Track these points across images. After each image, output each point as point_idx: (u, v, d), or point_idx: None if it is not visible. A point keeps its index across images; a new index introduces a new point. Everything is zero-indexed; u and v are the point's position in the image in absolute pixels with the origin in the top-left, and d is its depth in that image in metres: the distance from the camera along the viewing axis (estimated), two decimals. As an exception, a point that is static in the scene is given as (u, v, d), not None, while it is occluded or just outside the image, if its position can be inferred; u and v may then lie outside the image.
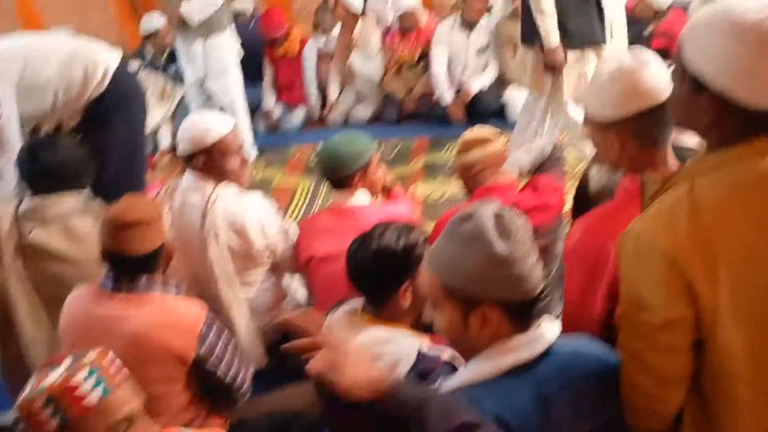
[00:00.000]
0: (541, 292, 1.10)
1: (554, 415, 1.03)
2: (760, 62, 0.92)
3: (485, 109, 4.49)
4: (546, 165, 2.24)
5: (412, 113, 4.74)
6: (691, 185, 1.00)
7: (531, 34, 3.16)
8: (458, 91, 4.59)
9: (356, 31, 4.67)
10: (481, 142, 2.11)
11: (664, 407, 1.08)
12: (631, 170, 1.35)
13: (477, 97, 4.52)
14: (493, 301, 1.06)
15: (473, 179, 2.12)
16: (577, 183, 1.93)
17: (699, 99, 0.99)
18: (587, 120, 1.39)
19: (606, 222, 1.33)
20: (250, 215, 2.02)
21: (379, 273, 1.45)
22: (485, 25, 4.53)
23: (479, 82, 4.55)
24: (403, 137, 4.44)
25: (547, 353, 1.08)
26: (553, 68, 3.13)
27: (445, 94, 4.55)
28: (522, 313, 1.09)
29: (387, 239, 1.46)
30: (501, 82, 4.59)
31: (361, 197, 2.06)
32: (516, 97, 4.37)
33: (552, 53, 3.06)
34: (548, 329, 1.12)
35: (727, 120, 0.98)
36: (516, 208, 2.02)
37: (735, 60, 0.93)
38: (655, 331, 1.01)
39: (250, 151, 4.16)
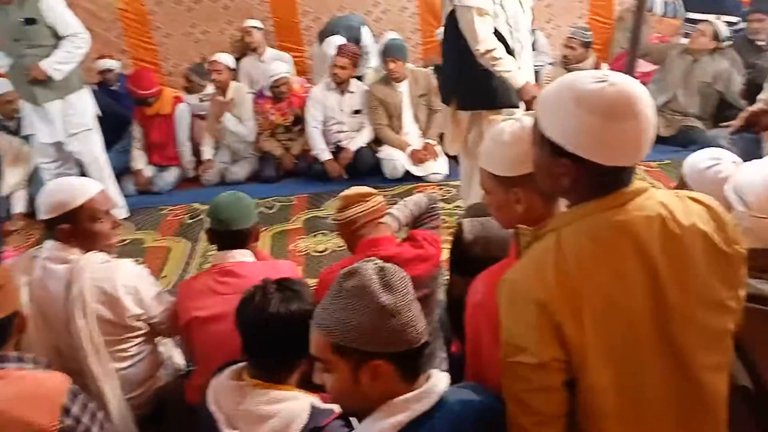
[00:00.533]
0: (426, 341, 1.14)
1: None
2: (605, 126, 1.03)
3: (363, 166, 4.63)
4: (423, 218, 2.33)
5: (291, 171, 4.77)
6: (558, 236, 1.09)
7: (446, 94, 3.22)
8: (337, 150, 4.71)
9: (229, 92, 4.66)
10: (360, 198, 2.17)
11: None
12: (529, 224, 1.33)
13: (355, 156, 4.65)
14: (382, 354, 1.09)
15: (354, 234, 2.16)
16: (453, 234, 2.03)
17: (558, 163, 1.08)
18: (489, 177, 1.37)
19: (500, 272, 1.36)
20: (122, 282, 1.90)
21: (286, 339, 1.41)
22: (359, 88, 4.72)
23: (357, 141, 4.69)
24: (283, 195, 4.45)
25: (438, 406, 1.12)
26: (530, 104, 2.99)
27: (323, 152, 4.64)
28: (410, 362, 1.12)
29: (293, 304, 1.43)
30: (376, 142, 4.77)
31: (243, 255, 2.02)
32: (390, 155, 4.56)
33: (522, 91, 2.98)
34: (438, 381, 1.15)
35: (584, 179, 1.08)
36: (396, 260, 2.12)
37: (583, 127, 1.03)
38: (531, 372, 1.07)
39: (120, 212, 3.95)
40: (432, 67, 5.17)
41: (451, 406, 1.13)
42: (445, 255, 2.18)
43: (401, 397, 1.10)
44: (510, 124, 1.35)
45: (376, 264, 1.13)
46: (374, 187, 4.20)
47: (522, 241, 1.18)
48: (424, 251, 2.15)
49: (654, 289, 1.06)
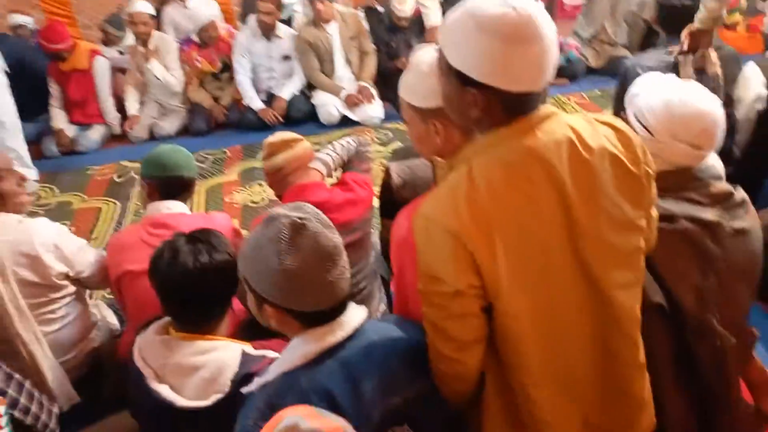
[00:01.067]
0: (342, 301, 1.16)
1: (364, 392, 1.09)
2: (509, 51, 1.01)
3: (297, 114, 4.54)
4: (353, 161, 2.31)
5: (223, 122, 4.63)
6: (470, 165, 1.09)
7: None
8: (269, 98, 4.59)
9: (152, 42, 4.44)
10: (286, 144, 2.13)
11: (464, 369, 1.17)
12: (447, 156, 1.35)
13: (289, 104, 4.55)
14: (283, 309, 1.12)
15: (283, 181, 2.13)
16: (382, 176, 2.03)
17: (465, 93, 1.07)
18: (408, 108, 1.35)
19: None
20: (40, 241, 1.83)
21: (202, 293, 1.39)
22: (286, 33, 4.57)
23: (289, 88, 4.58)
24: (216, 147, 4.33)
25: (354, 337, 1.14)
26: None
27: (254, 101, 4.52)
28: (317, 320, 1.14)
29: (203, 256, 1.40)
30: (310, 88, 4.67)
31: (178, 206, 1.96)
32: (324, 101, 4.48)
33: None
34: (353, 315, 1.17)
35: (493, 108, 1.07)
36: (327, 205, 2.10)
37: (488, 53, 1.02)
38: (448, 300, 1.09)
39: (29, 171, 3.74)
40: (362, 9, 5.05)
41: (366, 337, 1.15)
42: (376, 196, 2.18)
43: (313, 330, 1.12)
44: (429, 54, 1.30)
45: (297, 218, 1.10)
46: (311, 134, 4.28)
47: (438, 174, 1.18)
48: (354, 195, 2.14)
49: (565, 212, 1.07)
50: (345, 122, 4.47)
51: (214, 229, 1.51)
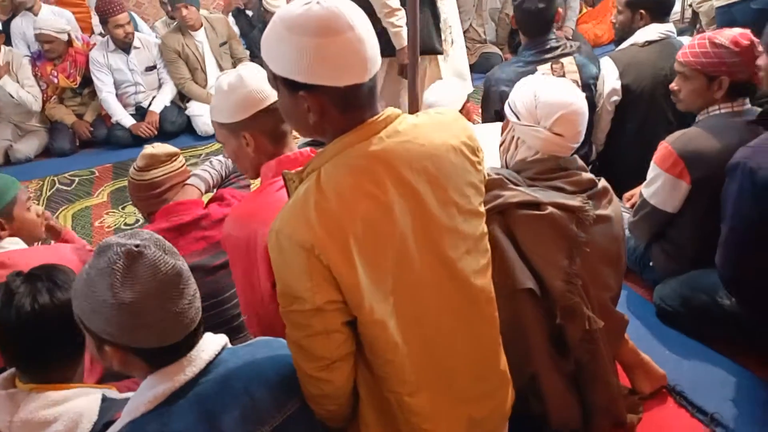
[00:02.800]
0: (198, 328, 1.07)
1: (223, 428, 1.02)
2: (321, 44, 1.00)
3: (171, 126, 4.32)
4: (230, 177, 2.21)
5: (89, 140, 4.31)
6: (318, 175, 1.06)
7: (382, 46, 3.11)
8: (139, 112, 4.33)
9: (1, 56, 4.04)
10: (167, 157, 1.99)
11: (332, 388, 1.12)
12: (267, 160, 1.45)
13: (162, 117, 4.32)
14: (124, 348, 1.01)
15: (155, 199, 1.99)
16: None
17: (297, 99, 1.04)
18: (219, 128, 1.48)
19: (247, 205, 1.48)
20: None
21: (44, 336, 1.23)
22: (144, 42, 4.33)
23: (160, 101, 4.34)
24: (82, 167, 4.01)
25: (209, 370, 1.06)
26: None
27: (124, 118, 4.25)
28: (164, 357, 1.04)
29: (44, 296, 1.24)
30: (183, 98, 4.45)
31: (11, 241, 1.77)
32: (199, 111, 4.28)
33: (402, 52, 2.96)
34: (207, 346, 1.09)
35: (327, 108, 1.05)
36: (204, 222, 1.98)
37: (302, 51, 1.00)
38: (309, 319, 1.05)
39: None
40: (232, 13, 4.90)
41: (224, 367, 1.08)
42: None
43: (162, 369, 1.03)
44: (227, 76, 1.45)
45: (132, 246, 1.00)
46: (187, 147, 4.09)
47: (290, 187, 1.14)
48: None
49: (416, 210, 1.08)
50: (224, 132, 4.30)
51: (59, 264, 1.35)
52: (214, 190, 2.16)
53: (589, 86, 2.49)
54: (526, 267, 1.48)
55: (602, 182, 1.60)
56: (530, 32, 2.58)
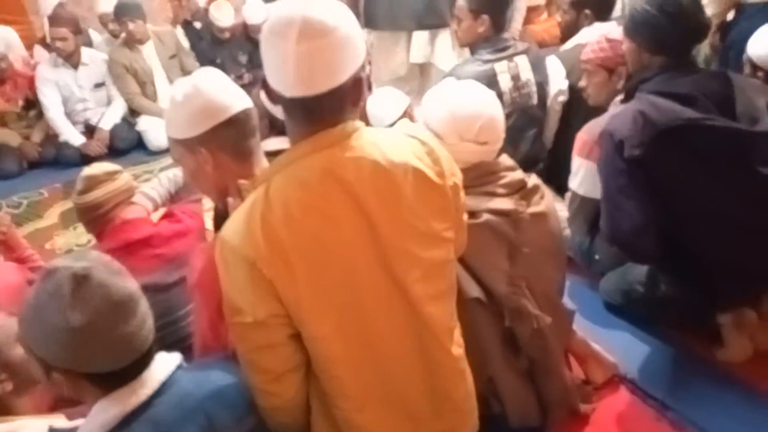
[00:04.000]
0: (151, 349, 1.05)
1: None
2: (270, 54, 1.02)
3: (123, 143, 4.24)
4: (181, 193, 2.19)
5: (37, 161, 4.18)
6: (268, 186, 1.04)
7: None
8: (88, 130, 4.23)
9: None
10: (107, 176, 1.97)
11: (281, 401, 1.13)
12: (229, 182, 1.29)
13: (112, 133, 4.23)
14: (74, 373, 1.00)
15: (102, 218, 1.97)
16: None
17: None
18: (175, 145, 1.32)
19: None
20: None
21: None
22: (93, 58, 4.23)
23: (110, 117, 4.25)
24: (30, 189, 3.89)
25: (163, 390, 1.05)
26: None
27: (74, 137, 4.14)
28: (116, 380, 1.03)
29: None
30: (133, 113, 4.38)
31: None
32: (151, 126, 4.21)
33: None
34: (161, 366, 1.08)
35: (292, 116, 1.06)
36: (155, 240, 1.96)
37: (265, 57, 1.02)
38: (253, 332, 1.05)
39: None
40: (180, 25, 4.83)
41: (179, 387, 1.07)
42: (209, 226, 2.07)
43: (114, 393, 1.02)
44: (182, 85, 1.29)
45: (79, 269, 0.98)
46: (140, 163, 4.01)
47: (246, 198, 1.13)
48: (183, 226, 2.02)
49: (368, 229, 1.06)
50: (176, 147, 4.24)
51: None
52: (164, 208, 2.14)
53: (541, 84, 2.55)
54: (470, 276, 1.49)
55: (532, 179, 1.64)
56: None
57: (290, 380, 1.11)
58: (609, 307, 2.13)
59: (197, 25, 4.87)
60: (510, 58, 2.51)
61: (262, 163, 1.33)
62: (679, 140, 1.63)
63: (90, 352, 0.98)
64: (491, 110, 1.56)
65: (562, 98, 2.58)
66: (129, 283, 1.03)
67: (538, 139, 2.61)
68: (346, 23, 1.01)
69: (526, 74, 2.51)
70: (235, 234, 1.03)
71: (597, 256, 2.22)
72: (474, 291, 1.48)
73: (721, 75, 1.82)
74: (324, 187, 1.03)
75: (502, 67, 2.48)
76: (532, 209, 1.58)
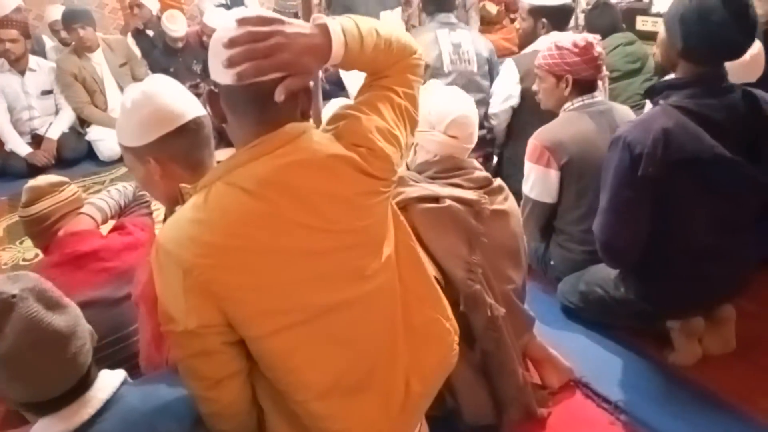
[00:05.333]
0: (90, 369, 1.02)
1: None
2: (216, 47, 1.01)
3: (71, 153, 4.12)
4: (131, 206, 2.14)
5: (-19, 174, 4.03)
6: (209, 191, 1.02)
7: None
8: (35, 139, 4.09)
9: None
10: (52, 188, 1.90)
11: (220, 407, 1.10)
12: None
13: (60, 143, 4.10)
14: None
15: (48, 231, 1.90)
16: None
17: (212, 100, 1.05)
18: (125, 152, 1.31)
19: None
20: None
21: None
22: (41, 65, 4.11)
23: (57, 127, 4.13)
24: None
25: (108, 408, 1.02)
26: None
27: (19, 146, 4.00)
28: (55, 405, 0.99)
29: None
30: (83, 123, 4.26)
31: None
32: (101, 136, 4.10)
33: None
34: (105, 383, 1.05)
35: (237, 114, 1.05)
36: (104, 253, 1.90)
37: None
38: (185, 339, 1.02)
39: None
40: (132, 33, 4.74)
41: (125, 402, 1.04)
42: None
43: (53, 415, 0.99)
44: (132, 91, 1.28)
45: (8, 296, 0.94)
46: (90, 174, 3.90)
47: (187, 201, 1.10)
48: (134, 239, 1.96)
49: (313, 227, 1.06)
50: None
51: None
52: (114, 221, 2.08)
53: (482, 57, 2.87)
54: (429, 259, 1.52)
55: (497, 181, 1.72)
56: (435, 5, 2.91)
57: (229, 386, 1.08)
58: (566, 311, 2.17)
59: (150, 33, 4.78)
60: (453, 28, 2.84)
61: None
62: (698, 169, 1.62)
63: (10, 384, 0.94)
64: (465, 110, 1.67)
65: (513, 102, 2.66)
66: (61, 318, 0.98)
67: (482, 107, 2.72)
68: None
69: (467, 45, 2.81)
70: (171, 239, 0.99)
71: (552, 262, 2.26)
72: (431, 271, 1.49)
73: (751, 100, 1.68)
74: (264, 189, 1.02)
75: (443, 34, 2.79)
76: (495, 206, 1.64)
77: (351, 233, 1.10)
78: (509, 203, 1.71)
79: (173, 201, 1.28)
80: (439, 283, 1.49)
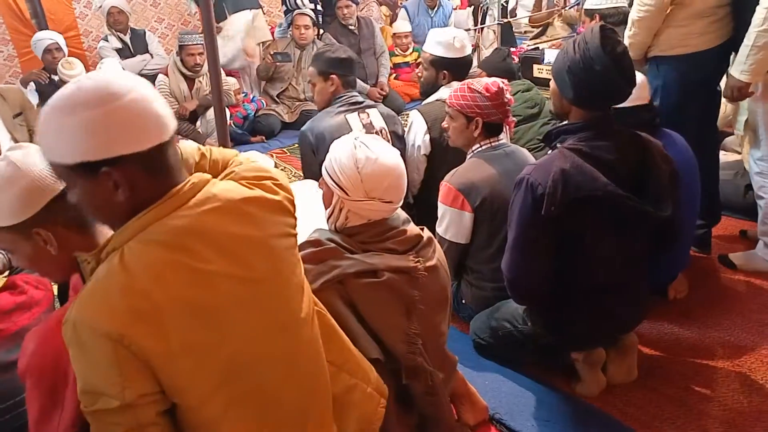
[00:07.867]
0: None
1: None
2: (107, 112, 0.96)
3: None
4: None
5: None
6: (122, 254, 0.98)
7: None
8: None
9: None
10: None
11: None
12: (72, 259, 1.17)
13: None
14: None
15: None
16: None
17: (101, 179, 0.97)
18: (4, 236, 1.19)
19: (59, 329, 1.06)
20: None
21: None
22: None
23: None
24: None
25: None
26: None
27: None
28: None
29: None
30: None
31: None
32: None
33: None
34: None
35: (139, 178, 1.00)
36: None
37: (91, 126, 0.95)
38: (118, 416, 0.97)
39: None
40: (34, 83, 4.52)
41: None
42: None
43: None
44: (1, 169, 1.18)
45: None
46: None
47: (85, 270, 1.05)
48: (27, 298, 1.84)
49: (240, 273, 1.05)
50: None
51: None
52: (4, 278, 1.95)
53: (396, 134, 2.73)
54: (370, 336, 1.49)
55: (426, 233, 1.66)
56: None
57: None
58: (478, 349, 2.21)
59: (55, 78, 4.58)
60: (362, 110, 2.69)
61: (105, 231, 1.23)
62: (595, 206, 1.71)
63: None
64: (399, 169, 1.56)
65: (425, 152, 2.73)
66: None
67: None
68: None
69: (379, 124, 2.70)
70: (93, 312, 0.94)
71: (464, 300, 2.31)
72: (374, 352, 1.47)
73: (638, 141, 1.82)
74: (186, 242, 1.00)
75: (353, 117, 2.65)
76: (427, 264, 1.58)
77: (270, 282, 1.10)
78: (438, 255, 1.66)
79: (67, 271, 1.22)
80: (380, 362, 1.49)
